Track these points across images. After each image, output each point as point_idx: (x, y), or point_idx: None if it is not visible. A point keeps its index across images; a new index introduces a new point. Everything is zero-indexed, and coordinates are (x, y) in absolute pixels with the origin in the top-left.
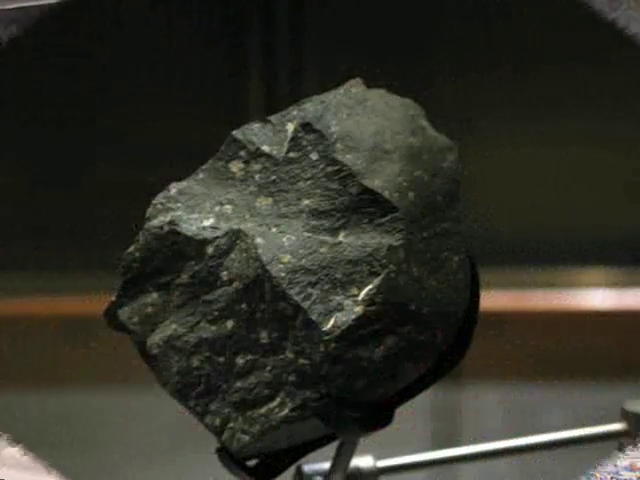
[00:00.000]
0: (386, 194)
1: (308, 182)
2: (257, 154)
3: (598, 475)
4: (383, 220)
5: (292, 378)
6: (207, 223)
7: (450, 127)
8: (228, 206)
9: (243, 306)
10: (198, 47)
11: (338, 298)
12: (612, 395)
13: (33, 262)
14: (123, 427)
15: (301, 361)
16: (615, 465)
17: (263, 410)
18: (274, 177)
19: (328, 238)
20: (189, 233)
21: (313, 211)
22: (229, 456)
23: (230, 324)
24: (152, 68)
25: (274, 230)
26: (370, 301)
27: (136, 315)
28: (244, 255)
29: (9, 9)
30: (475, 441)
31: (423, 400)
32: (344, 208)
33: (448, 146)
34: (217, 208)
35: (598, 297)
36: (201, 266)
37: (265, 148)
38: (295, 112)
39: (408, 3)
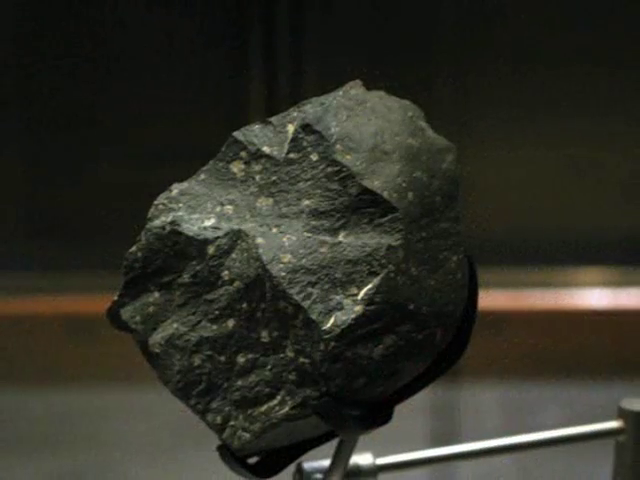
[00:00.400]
0: (385, 194)
1: (308, 183)
2: (258, 155)
3: None
4: (382, 220)
5: (292, 377)
6: (208, 223)
7: (449, 128)
8: (229, 206)
9: (244, 305)
10: (199, 48)
11: (338, 297)
12: (609, 393)
13: (36, 262)
14: (125, 425)
15: (301, 360)
16: None
17: (264, 408)
18: (274, 178)
19: (328, 238)
20: (190, 233)
21: (313, 211)
22: (230, 454)
23: (231, 323)
24: (153, 69)
25: (274, 230)
26: (369, 300)
27: (138, 314)
28: (245, 255)
29: None
30: (473, 439)
31: (422, 398)
32: (344, 208)
33: (447, 147)
34: (218, 208)
35: (595, 296)
36: (202, 266)
37: (266, 149)
38: (295, 113)
39: (407, 6)
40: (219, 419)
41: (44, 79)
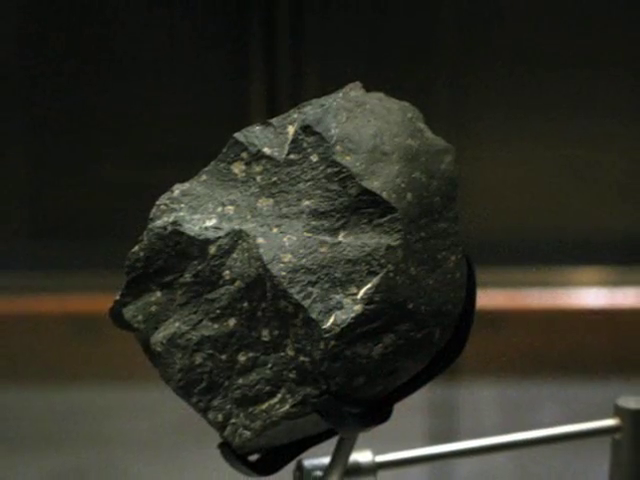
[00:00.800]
0: (385, 195)
1: (308, 183)
2: (258, 156)
3: None
4: (382, 220)
5: (293, 375)
6: (210, 223)
7: (447, 129)
8: (230, 207)
9: (245, 305)
10: (200, 50)
11: (338, 297)
12: (605, 391)
13: (39, 261)
14: (128, 423)
15: (301, 358)
16: None
17: (264, 406)
18: (275, 178)
19: (328, 238)
20: (192, 233)
21: (313, 212)
22: (231, 451)
23: (232, 322)
24: (155, 70)
25: (275, 230)
26: (369, 300)
27: (140, 313)
28: (246, 255)
29: None
30: (471, 436)
31: (421, 397)
32: (343, 209)
33: (445, 148)
34: (219, 209)
35: (591, 296)
36: (204, 265)
37: (266, 150)
38: (296, 115)
39: (406, 8)
40: (220, 417)
41: (46, 80)
